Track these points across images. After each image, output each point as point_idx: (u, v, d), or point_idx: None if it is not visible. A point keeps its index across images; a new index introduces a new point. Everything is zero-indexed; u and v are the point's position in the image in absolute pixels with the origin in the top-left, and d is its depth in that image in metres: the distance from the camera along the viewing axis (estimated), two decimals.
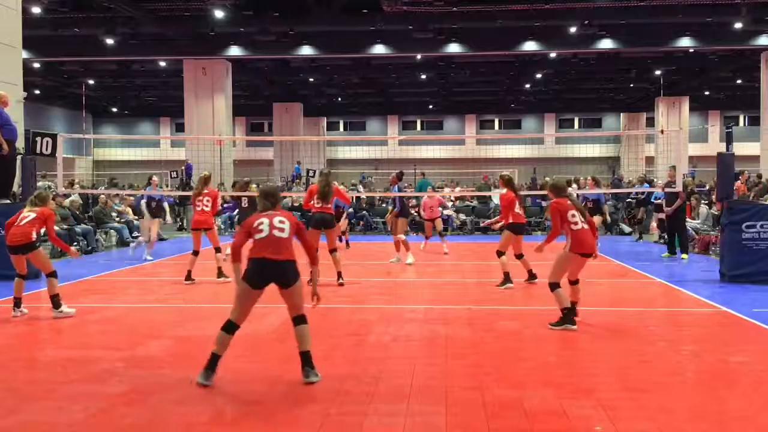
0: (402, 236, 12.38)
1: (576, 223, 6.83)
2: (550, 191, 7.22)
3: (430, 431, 4.25)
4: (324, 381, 5.21)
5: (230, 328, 5.14)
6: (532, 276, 9.87)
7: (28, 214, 7.66)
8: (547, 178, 14.48)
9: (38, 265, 7.84)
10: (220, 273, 10.43)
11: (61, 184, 13.02)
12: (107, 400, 4.71)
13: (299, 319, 5.22)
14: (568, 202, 6.97)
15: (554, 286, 6.83)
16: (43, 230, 7.94)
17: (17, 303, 7.73)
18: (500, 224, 10.30)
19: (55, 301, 7.62)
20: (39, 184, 13.26)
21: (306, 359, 5.19)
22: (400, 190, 12.73)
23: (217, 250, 10.50)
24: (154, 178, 14.49)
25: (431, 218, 14.34)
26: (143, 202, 13.93)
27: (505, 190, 9.82)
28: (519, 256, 9.79)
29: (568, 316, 6.76)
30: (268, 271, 5.08)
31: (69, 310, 7.72)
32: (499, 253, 9.60)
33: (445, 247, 13.99)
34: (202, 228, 10.53)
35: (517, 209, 9.73)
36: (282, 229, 5.16)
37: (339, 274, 9.97)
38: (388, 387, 5.08)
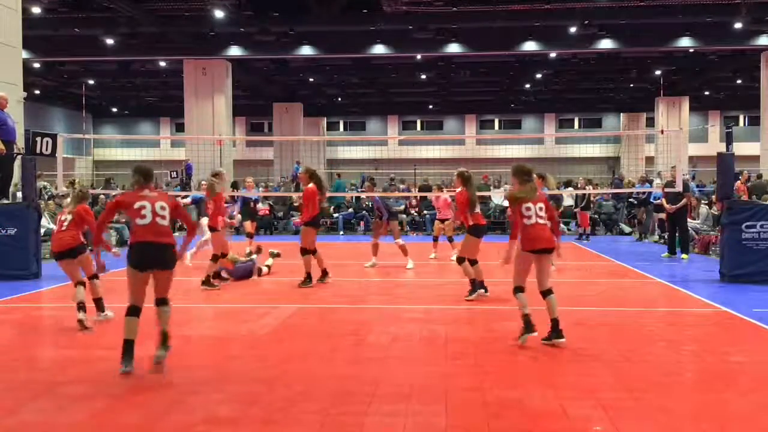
0: (400, 240, 12.17)
1: (529, 218, 6.12)
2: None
3: (430, 431, 4.25)
4: (324, 381, 5.21)
5: (133, 311, 5.42)
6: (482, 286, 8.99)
7: (66, 217, 7.34)
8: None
9: (86, 268, 7.28)
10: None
11: (61, 184, 13.01)
12: (107, 400, 4.70)
13: (163, 301, 5.55)
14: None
15: (516, 290, 6.21)
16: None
17: (98, 306, 7.28)
18: (457, 224, 9.90)
19: (100, 304, 7.28)
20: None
21: (164, 339, 5.46)
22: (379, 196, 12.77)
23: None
24: (249, 179, 14.20)
25: (442, 219, 13.56)
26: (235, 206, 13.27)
27: (460, 189, 9.01)
28: (473, 262, 8.88)
29: (528, 324, 6.08)
30: (152, 253, 5.42)
31: (110, 313, 7.28)
32: (460, 260, 8.84)
33: (454, 254, 12.82)
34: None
35: (477, 209, 8.97)
36: (164, 216, 5.49)
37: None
38: (388, 387, 5.07)
